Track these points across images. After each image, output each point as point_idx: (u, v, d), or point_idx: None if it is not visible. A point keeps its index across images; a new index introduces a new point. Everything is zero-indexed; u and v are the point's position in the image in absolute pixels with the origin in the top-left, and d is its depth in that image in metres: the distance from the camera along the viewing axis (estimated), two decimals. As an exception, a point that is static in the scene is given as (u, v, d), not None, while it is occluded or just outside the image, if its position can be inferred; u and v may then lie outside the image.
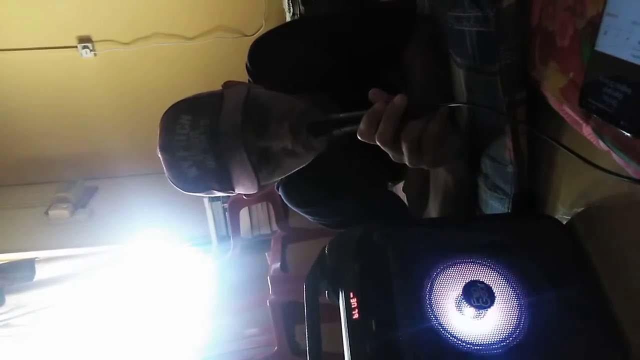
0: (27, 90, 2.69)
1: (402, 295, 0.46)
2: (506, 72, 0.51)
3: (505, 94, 0.52)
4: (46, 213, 2.81)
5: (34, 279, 2.58)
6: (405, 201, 1.04)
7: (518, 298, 0.46)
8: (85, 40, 2.59)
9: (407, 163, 0.59)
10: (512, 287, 0.46)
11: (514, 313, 0.45)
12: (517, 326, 0.44)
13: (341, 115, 0.64)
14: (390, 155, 0.60)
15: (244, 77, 0.89)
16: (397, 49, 0.82)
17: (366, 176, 0.97)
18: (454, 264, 0.48)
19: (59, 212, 2.80)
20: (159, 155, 0.71)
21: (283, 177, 0.81)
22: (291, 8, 2.14)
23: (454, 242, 0.51)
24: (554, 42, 0.44)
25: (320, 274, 0.53)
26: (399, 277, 0.48)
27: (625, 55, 0.31)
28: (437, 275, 0.47)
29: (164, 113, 0.72)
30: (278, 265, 2.16)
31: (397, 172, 1.05)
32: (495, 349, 0.43)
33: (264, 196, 2.53)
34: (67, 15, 2.51)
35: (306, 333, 0.51)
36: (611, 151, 0.37)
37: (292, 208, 0.99)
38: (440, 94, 0.72)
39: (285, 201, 0.98)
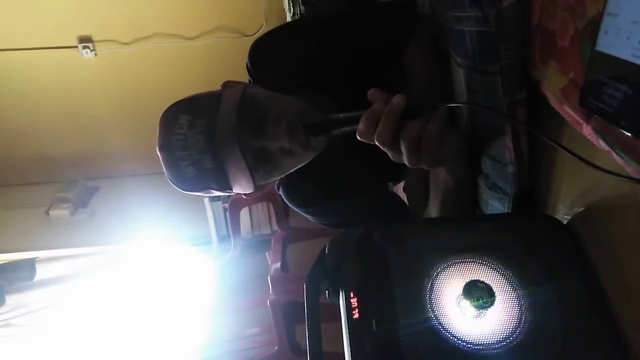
0: (28, 90, 2.69)
1: (402, 295, 0.46)
2: (506, 72, 0.51)
3: (505, 94, 0.52)
4: (47, 213, 2.81)
5: (35, 279, 2.58)
6: (406, 201, 1.04)
7: (518, 298, 0.46)
8: (85, 40, 2.59)
9: (406, 163, 0.59)
10: (512, 286, 0.46)
11: (514, 313, 0.45)
12: (517, 326, 0.44)
13: (340, 115, 0.64)
14: (390, 155, 0.60)
15: (244, 77, 0.89)
16: (397, 49, 0.82)
17: (366, 176, 0.97)
18: (454, 264, 0.48)
19: (60, 212, 2.80)
20: (159, 155, 0.71)
21: (282, 176, 0.81)
22: (291, 8, 2.15)
23: (454, 242, 0.51)
24: (554, 41, 0.44)
25: (321, 273, 0.53)
26: (399, 276, 0.48)
27: (626, 55, 0.31)
28: (437, 274, 0.47)
29: (163, 113, 0.72)
30: (278, 265, 2.16)
31: (398, 172, 1.05)
32: (495, 348, 0.43)
33: (265, 196, 2.53)
34: (67, 15, 2.51)
35: (306, 333, 0.51)
36: (612, 151, 0.37)
37: (293, 208, 0.99)
38: (441, 94, 0.72)
39: (285, 201, 0.98)
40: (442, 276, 0.47)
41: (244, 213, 2.75)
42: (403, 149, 0.57)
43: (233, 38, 2.65)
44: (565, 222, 0.52)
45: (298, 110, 0.72)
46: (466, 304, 0.44)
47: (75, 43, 2.59)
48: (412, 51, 0.81)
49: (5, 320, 2.53)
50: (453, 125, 0.68)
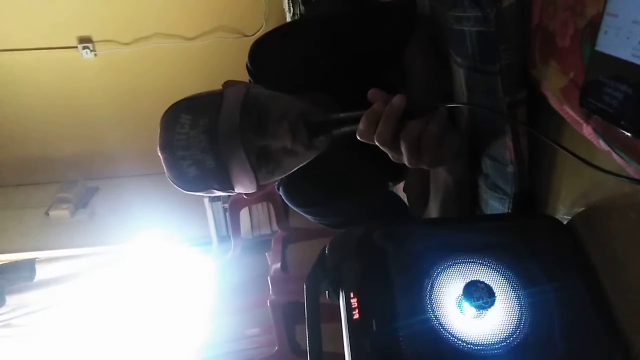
0: (28, 90, 2.69)
1: (402, 295, 0.46)
2: (506, 72, 0.51)
3: (505, 94, 0.52)
4: (47, 213, 2.81)
5: (35, 279, 2.58)
6: (406, 201, 1.04)
7: (518, 298, 0.46)
8: (85, 40, 2.60)
9: (406, 163, 0.59)
10: (512, 287, 0.46)
11: (515, 313, 0.45)
12: (517, 326, 0.44)
13: (340, 115, 0.64)
14: (390, 156, 0.60)
15: (244, 77, 0.89)
16: (397, 49, 0.82)
17: (367, 176, 0.97)
18: (455, 264, 0.48)
19: (60, 212, 2.80)
20: (159, 155, 0.71)
21: (283, 176, 0.81)
22: (291, 8, 2.15)
23: (454, 242, 0.51)
24: (554, 41, 0.44)
25: (321, 274, 0.53)
26: (399, 277, 0.48)
27: (626, 54, 0.31)
28: (437, 275, 0.47)
29: (164, 112, 0.72)
30: (278, 265, 2.16)
31: (398, 172, 1.05)
32: (495, 349, 0.43)
33: (265, 196, 2.53)
34: (67, 16, 2.51)
35: (307, 333, 0.51)
36: (612, 151, 0.37)
37: (293, 208, 0.99)
38: (441, 94, 0.72)
39: (285, 201, 0.98)
40: (442, 276, 0.47)
41: (244, 213, 2.75)
42: (403, 149, 0.57)
43: (233, 38, 2.65)
44: (565, 222, 0.52)
45: (299, 109, 0.72)
46: (466, 305, 0.44)
47: (75, 43, 2.59)
48: (412, 51, 0.81)
49: (5, 320, 2.53)
50: (453, 125, 0.68)
